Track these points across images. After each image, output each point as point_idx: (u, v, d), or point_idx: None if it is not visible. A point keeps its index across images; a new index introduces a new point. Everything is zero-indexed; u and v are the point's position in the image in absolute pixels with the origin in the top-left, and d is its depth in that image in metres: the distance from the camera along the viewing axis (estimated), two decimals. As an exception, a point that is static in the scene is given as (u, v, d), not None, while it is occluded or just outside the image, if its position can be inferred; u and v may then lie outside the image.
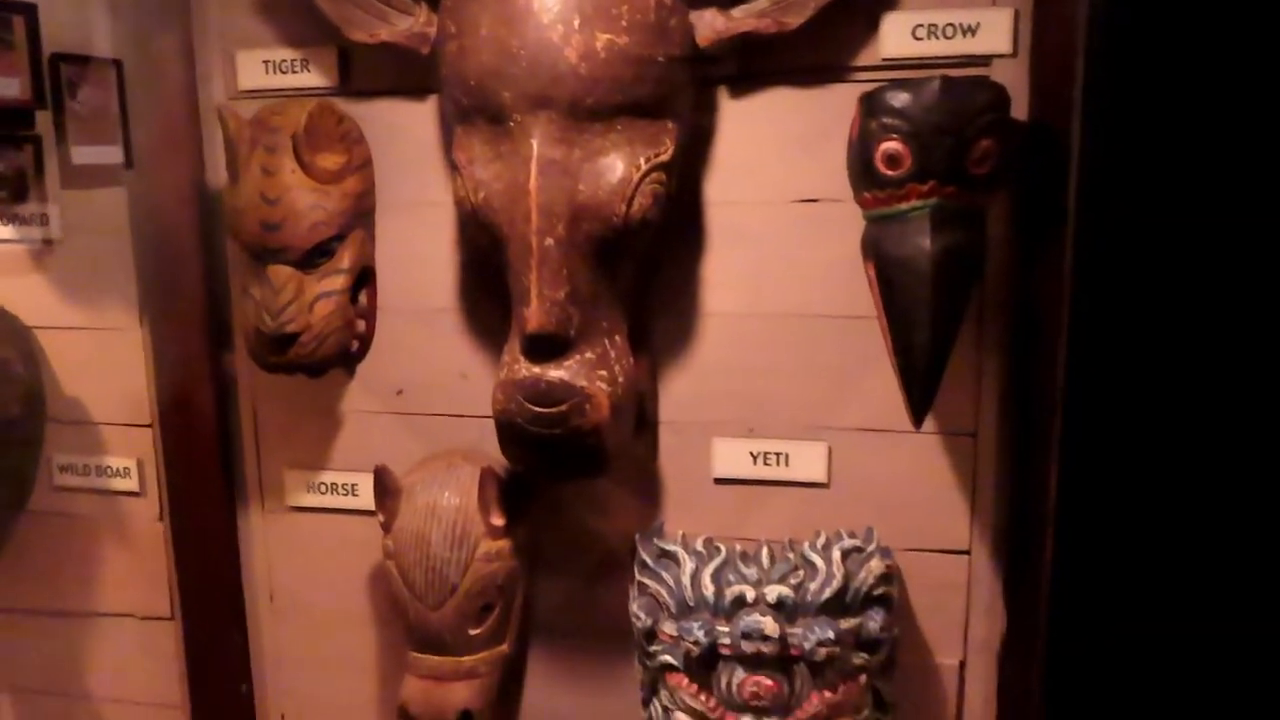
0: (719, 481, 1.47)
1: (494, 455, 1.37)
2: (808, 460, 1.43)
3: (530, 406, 1.26)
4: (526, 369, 1.27)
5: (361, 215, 1.46)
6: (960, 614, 1.43)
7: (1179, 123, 0.77)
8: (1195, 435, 0.82)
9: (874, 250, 1.27)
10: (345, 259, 1.43)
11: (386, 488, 1.44)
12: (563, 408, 1.25)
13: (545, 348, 1.26)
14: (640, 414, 1.40)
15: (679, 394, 1.46)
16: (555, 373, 1.26)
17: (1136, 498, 0.83)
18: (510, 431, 1.29)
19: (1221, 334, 0.80)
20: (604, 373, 1.28)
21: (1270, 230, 0.77)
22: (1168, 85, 0.78)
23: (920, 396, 1.25)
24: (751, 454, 1.45)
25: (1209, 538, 0.84)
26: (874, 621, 1.30)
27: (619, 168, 1.25)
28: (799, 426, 1.43)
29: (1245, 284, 0.79)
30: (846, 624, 1.28)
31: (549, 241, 1.23)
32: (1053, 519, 0.86)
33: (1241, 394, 0.81)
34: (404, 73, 1.44)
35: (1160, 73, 0.78)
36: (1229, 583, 0.84)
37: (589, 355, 1.27)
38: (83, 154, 1.59)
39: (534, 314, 1.23)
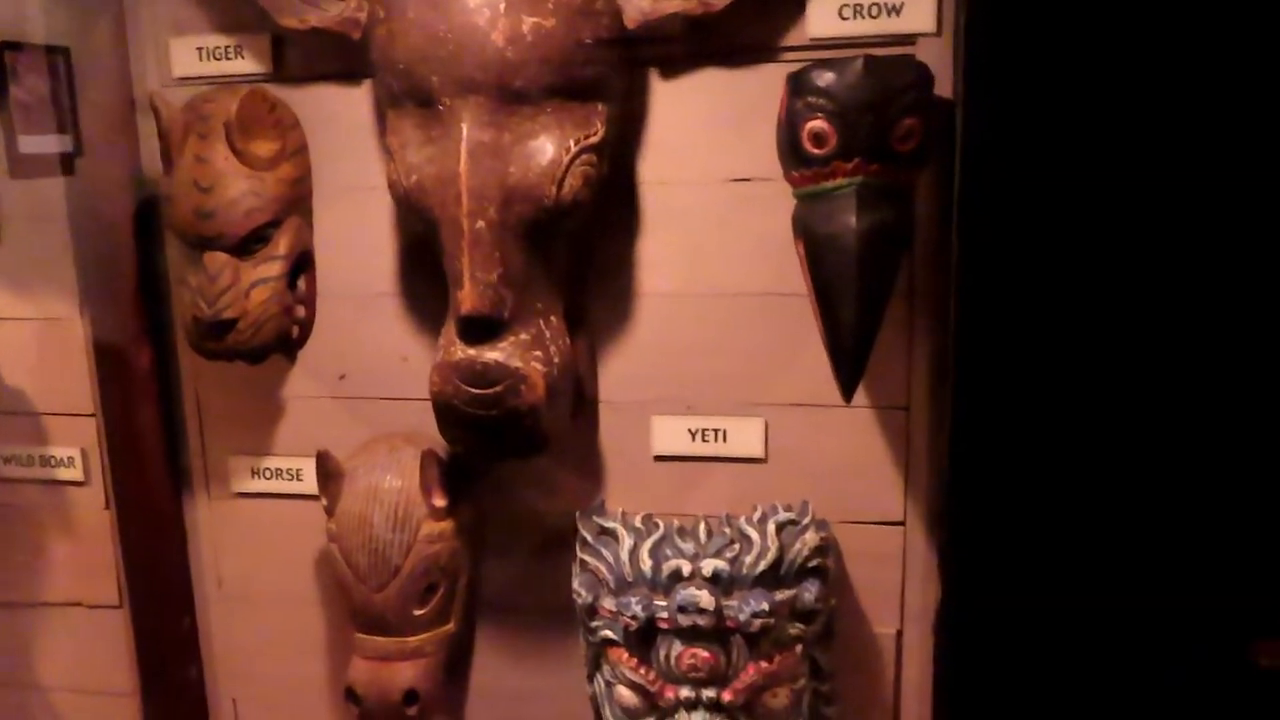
0: (658, 459, 1.49)
1: (436, 437, 1.38)
2: (745, 436, 1.46)
3: (466, 388, 1.28)
4: (462, 351, 1.28)
5: (298, 201, 1.46)
6: (896, 584, 1.46)
7: (1061, 102, 0.79)
8: (1082, 408, 0.84)
9: (803, 228, 1.29)
10: (282, 245, 1.43)
11: (328, 471, 1.45)
12: (498, 389, 1.27)
13: (480, 330, 1.27)
14: (578, 393, 1.42)
15: (617, 373, 1.48)
16: (490, 354, 1.27)
17: (1027, 472, 0.86)
18: (447, 413, 1.31)
19: (1107, 310, 0.82)
20: (539, 353, 1.29)
21: (1153, 205, 0.80)
22: (1050, 65, 0.80)
23: (849, 372, 1.28)
24: (690, 431, 1.47)
25: (1099, 509, 0.87)
26: (809, 593, 1.33)
27: (549, 150, 1.27)
28: (736, 403, 1.46)
29: (1132, 256, 0.81)
30: (781, 595, 1.31)
31: (480, 224, 1.24)
32: (947, 490, 0.88)
33: (1128, 363, 0.83)
34: (338, 58, 1.44)
35: (1043, 53, 0.80)
36: (1119, 554, 0.87)
37: (524, 336, 1.29)
38: (29, 143, 1.58)
39: (467, 296, 1.25)
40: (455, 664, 1.54)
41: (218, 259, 1.38)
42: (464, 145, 1.23)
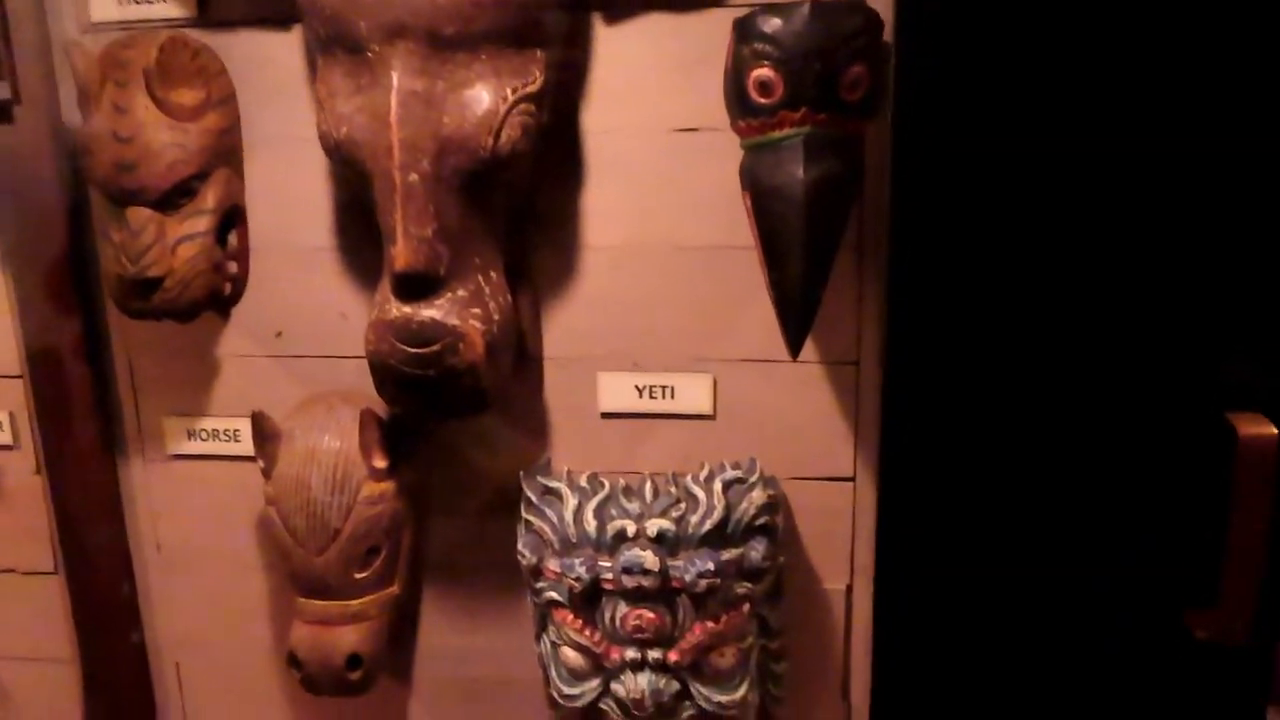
0: (605, 416, 1.46)
1: (375, 396, 1.33)
2: (693, 392, 1.43)
3: (402, 347, 1.24)
4: (397, 309, 1.24)
5: (225, 153, 1.39)
6: (846, 539, 1.45)
7: (999, 50, 0.75)
8: (1020, 370, 0.82)
9: (750, 179, 1.25)
10: (209, 199, 1.37)
11: (265, 433, 1.41)
12: (435, 347, 1.23)
13: (415, 287, 1.23)
14: (521, 350, 1.38)
15: (562, 329, 1.44)
16: (427, 312, 1.23)
17: (966, 435, 0.84)
18: (384, 373, 1.27)
19: (1049, 265, 0.79)
20: (478, 310, 1.25)
21: (1084, 159, 0.76)
22: (988, 11, 0.76)
23: (796, 327, 1.25)
24: (637, 387, 1.44)
25: (1036, 476, 0.85)
26: (756, 551, 1.31)
27: (485, 99, 1.21)
28: (684, 359, 1.43)
29: (1061, 211, 0.78)
30: (728, 555, 1.29)
31: (413, 177, 1.19)
32: (883, 451, 0.86)
33: (1071, 325, 0.81)
34: (265, 1, 1.38)
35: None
36: (1055, 522, 0.85)
37: (461, 293, 1.25)
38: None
39: (401, 252, 1.20)
40: (400, 626, 1.52)
41: (140, 214, 1.32)
42: (394, 95, 1.18)
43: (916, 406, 0.84)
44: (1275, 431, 0.76)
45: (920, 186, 0.79)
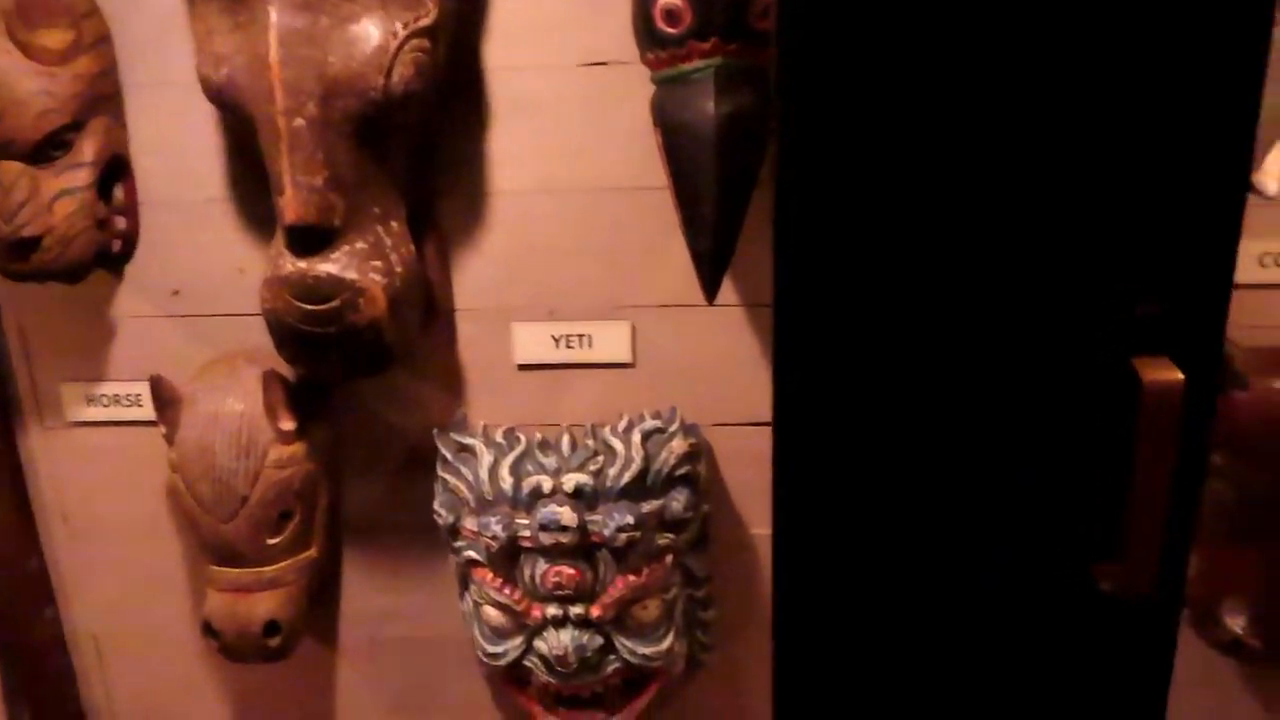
0: (522, 368, 1.41)
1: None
2: (611, 340, 1.38)
3: (299, 304, 1.18)
4: (291, 264, 1.17)
5: (102, 100, 1.30)
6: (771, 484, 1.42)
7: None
8: (913, 306, 0.78)
9: (660, 115, 1.20)
10: (87, 150, 1.28)
11: (164, 397, 1.34)
12: (334, 304, 1.17)
13: (308, 240, 1.16)
14: (429, 303, 1.32)
15: (473, 279, 1.39)
16: (323, 266, 1.17)
17: (861, 375, 0.80)
18: (282, 331, 1.21)
19: (943, 200, 0.75)
20: (378, 263, 1.19)
21: (985, 90, 0.72)
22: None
23: (711, 271, 1.20)
24: (553, 337, 1.39)
25: (933, 418, 0.82)
26: (677, 502, 1.28)
27: (374, 35, 1.14)
28: (600, 306, 1.38)
29: (962, 145, 0.74)
30: (648, 507, 1.26)
31: (299, 122, 1.12)
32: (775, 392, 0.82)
33: (965, 257, 0.77)
34: (137, -67, 1.28)
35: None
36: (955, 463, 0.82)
37: (360, 245, 1.18)
38: None
39: (289, 203, 1.14)
40: (320, 589, 1.47)
41: (10, 169, 1.23)
42: (273, 32, 1.10)
43: (809, 349, 0.79)
44: (1180, 377, 0.74)
45: (807, 118, 0.74)
